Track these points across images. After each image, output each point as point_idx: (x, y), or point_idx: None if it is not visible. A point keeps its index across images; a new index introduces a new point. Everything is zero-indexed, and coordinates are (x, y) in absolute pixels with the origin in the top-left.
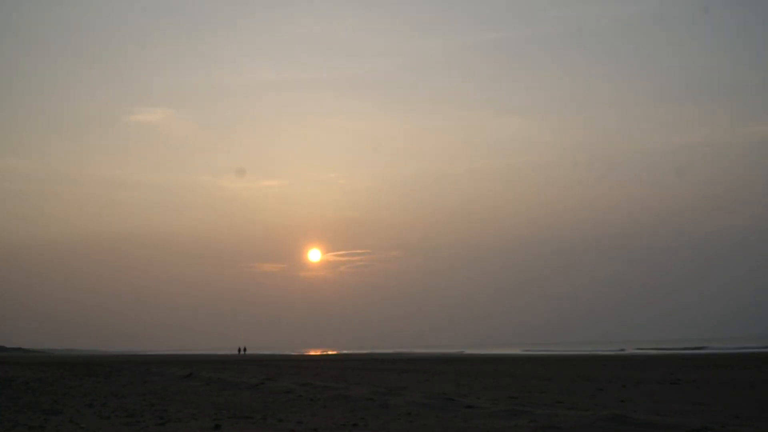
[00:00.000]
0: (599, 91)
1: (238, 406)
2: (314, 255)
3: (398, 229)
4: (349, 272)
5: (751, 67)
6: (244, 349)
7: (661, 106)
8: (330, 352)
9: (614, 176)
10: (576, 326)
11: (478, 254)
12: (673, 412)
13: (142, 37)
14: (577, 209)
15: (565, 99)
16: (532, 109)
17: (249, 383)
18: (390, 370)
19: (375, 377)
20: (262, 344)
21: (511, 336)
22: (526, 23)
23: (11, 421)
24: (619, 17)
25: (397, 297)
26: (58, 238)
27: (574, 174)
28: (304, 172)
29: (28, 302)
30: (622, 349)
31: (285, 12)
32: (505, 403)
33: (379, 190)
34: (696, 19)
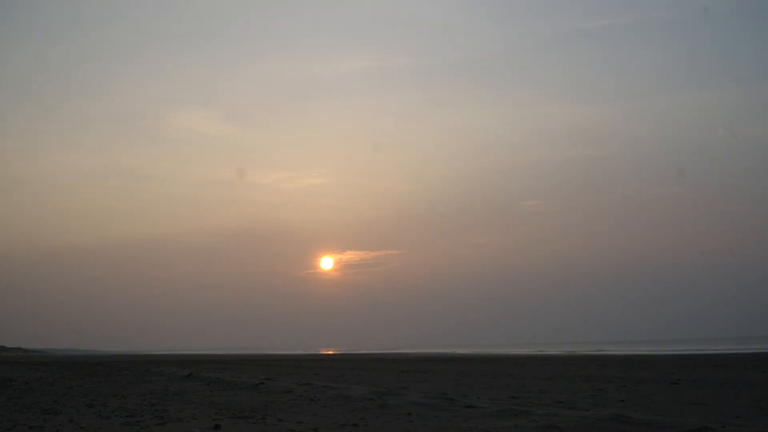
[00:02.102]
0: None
1: (238, 406)
2: (329, 256)
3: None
4: (363, 273)
5: None
6: None
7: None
8: (358, 352)
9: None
10: (578, 326)
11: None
12: (673, 412)
13: (192, 32)
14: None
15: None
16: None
17: (249, 383)
18: (390, 370)
19: (375, 377)
20: (263, 344)
21: (512, 336)
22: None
23: (11, 421)
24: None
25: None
26: (59, 238)
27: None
28: (346, 169)
29: (28, 302)
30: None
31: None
32: (505, 403)
33: (422, 189)
34: None
